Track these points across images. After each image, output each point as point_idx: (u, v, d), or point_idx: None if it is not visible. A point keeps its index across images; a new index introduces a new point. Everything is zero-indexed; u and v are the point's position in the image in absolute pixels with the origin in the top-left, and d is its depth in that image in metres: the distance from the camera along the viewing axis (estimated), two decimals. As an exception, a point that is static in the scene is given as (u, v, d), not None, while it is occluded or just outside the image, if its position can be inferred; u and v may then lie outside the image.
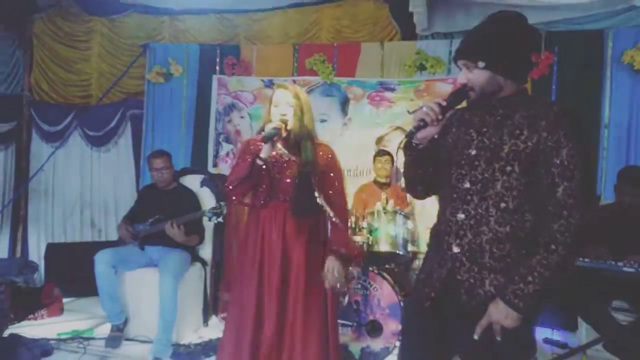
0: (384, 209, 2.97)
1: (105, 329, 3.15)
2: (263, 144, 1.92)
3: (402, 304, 2.63)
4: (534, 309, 1.28)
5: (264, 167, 1.94)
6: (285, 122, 1.96)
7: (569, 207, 1.24)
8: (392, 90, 4.35)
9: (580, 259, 2.64)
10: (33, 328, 3.20)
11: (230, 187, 2.01)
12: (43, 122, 5.06)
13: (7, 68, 4.95)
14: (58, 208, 5.04)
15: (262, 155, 1.93)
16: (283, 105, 1.98)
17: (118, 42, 4.99)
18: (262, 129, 2.02)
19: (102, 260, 2.98)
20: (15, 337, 2.67)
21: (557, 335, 3.45)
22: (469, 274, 1.35)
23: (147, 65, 4.74)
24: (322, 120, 4.50)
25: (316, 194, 1.98)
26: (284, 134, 1.96)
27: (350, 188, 4.06)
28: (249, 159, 1.96)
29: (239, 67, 4.62)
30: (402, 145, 1.45)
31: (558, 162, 1.25)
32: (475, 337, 1.31)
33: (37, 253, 4.94)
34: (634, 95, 3.70)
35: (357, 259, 2.21)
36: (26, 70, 5.12)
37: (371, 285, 2.71)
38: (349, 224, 2.99)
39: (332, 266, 1.97)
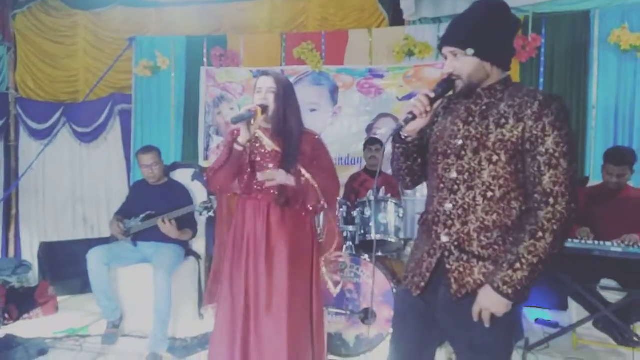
0: (375, 197, 2.97)
1: (100, 326, 3.16)
2: (241, 128, 1.87)
3: (394, 291, 2.65)
4: (522, 294, 1.30)
5: (243, 152, 1.90)
6: (263, 107, 1.90)
7: (555, 195, 1.25)
8: (381, 77, 4.34)
9: (570, 239, 2.67)
10: (28, 327, 3.20)
11: (211, 174, 1.98)
12: (30, 120, 5.01)
13: (-9, 66, 4.89)
14: (50, 206, 5.02)
15: (240, 140, 1.88)
16: (264, 91, 1.94)
17: (103, 36, 4.93)
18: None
19: (94, 258, 2.98)
20: (10, 338, 2.68)
21: (548, 315, 3.51)
22: (458, 263, 1.36)
23: (134, 58, 4.69)
24: (312, 110, 4.50)
25: (313, 184, 1.96)
26: (262, 118, 1.89)
27: (343, 177, 4.08)
28: (227, 147, 1.96)
29: (226, 58, 4.58)
30: (390, 138, 1.46)
31: (544, 150, 1.26)
32: (475, 319, 1.33)
33: (30, 252, 4.94)
34: (620, 76, 3.71)
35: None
36: (11, 68, 5.06)
37: (364, 274, 2.73)
38: (341, 214, 3.01)
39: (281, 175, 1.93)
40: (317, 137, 2.09)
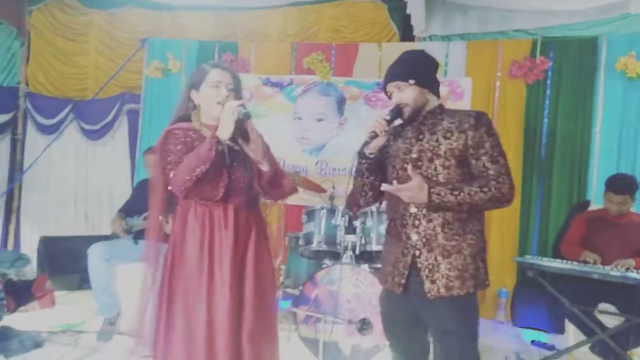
0: (377, 209, 2.98)
1: (96, 323, 3.16)
2: (222, 126, 1.62)
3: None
4: (436, 207, 1.59)
5: (223, 150, 1.66)
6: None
7: (501, 180, 1.58)
8: (389, 91, 4.37)
9: (569, 262, 2.69)
10: (25, 320, 3.19)
11: (190, 184, 1.63)
12: (39, 115, 5.06)
13: (4, 59, 4.95)
14: (52, 201, 5.04)
15: (224, 136, 1.63)
16: (223, 87, 1.72)
17: (116, 36, 5.00)
18: (180, 116, 1.78)
19: (95, 254, 2.99)
20: (6, 329, 2.67)
21: (544, 338, 3.50)
22: (428, 262, 1.62)
23: (146, 59, 4.74)
24: (319, 120, 4.54)
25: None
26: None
27: (346, 190, 4.09)
28: (208, 146, 1.62)
29: (236, 65, 4.62)
30: (356, 156, 1.75)
31: (484, 152, 1.61)
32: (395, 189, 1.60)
33: (29, 246, 4.95)
34: (625, 102, 3.75)
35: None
36: (23, 62, 5.12)
37: (363, 284, 2.73)
38: (343, 223, 3.01)
39: None
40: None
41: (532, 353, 3.21)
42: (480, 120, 1.64)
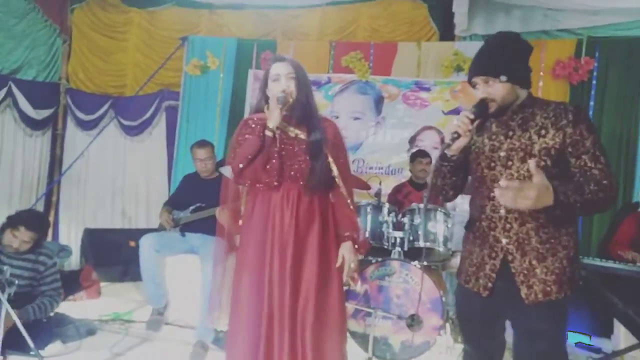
0: (425, 205, 2.98)
1: (143, 313, 3.21)
2: (270, 114, 1.77)
3: (443, 299, 2.65)
4: (561, 209, 1.37)
5: (273, 138, 1.80)
6: (289, 94, 1.80)
7: (607, 178, 1.43)
8: (428, 90, 4.36)
9: (623, 263, 2.65)
10: (72, 309, 3.25)
11: (241, 167, 1.81)
12: (79, 110, 5.15)
13: (47, 56, 5.06)
14: (90, 195, 5.12)
15: (270, 125, 1.77)
16: (284, 78, 1.82)
17: (155, 34, 5.08)
18: (256, 108, 1.92)
19: (147, 244, 3.04)
20: (62, 316, 2.73)
21: (589, 340, 3.44)
22: (522, 266, 1.51)
23: (185, 57, 4.81)
24: (356, 118, 4.55)
25: (332, 168, 1.86)
26: (289, 103, 1.80)
27: (384, 189, 4.08)
28: (257, 135, 1.81)
29: (274, 63, 4.65)
30: (437, 158, 1.62)
31: (584, 150, 1.45)
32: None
33: (67, 238, 5.05)
34: (676, 105, 3.68)
35: (364, 246, 1.93)
36: (65, 59, 5.23)
37: (413, 280, 2.73)
38: (391, 219, 3.01)
39: (348, 257, 1.84)
40: (335, 123, 1.99)
41: (578, 355, 3.16)
42: (580, 115, 1.48)
